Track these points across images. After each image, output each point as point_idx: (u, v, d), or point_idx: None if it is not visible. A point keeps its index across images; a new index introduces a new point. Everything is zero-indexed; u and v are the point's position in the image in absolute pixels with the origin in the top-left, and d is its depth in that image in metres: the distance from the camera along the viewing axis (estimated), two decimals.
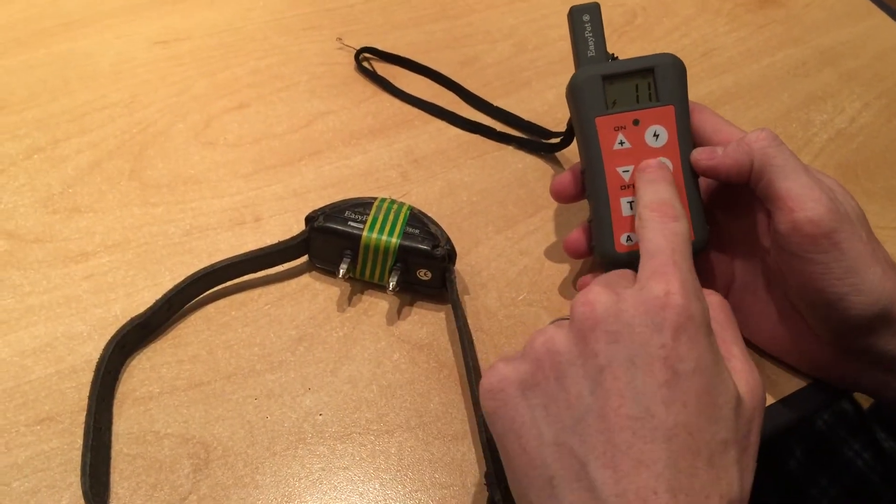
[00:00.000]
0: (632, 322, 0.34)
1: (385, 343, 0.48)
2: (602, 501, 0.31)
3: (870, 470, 0.67)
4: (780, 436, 0.47)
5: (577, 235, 0.50)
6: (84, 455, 0.40)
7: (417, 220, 0.48)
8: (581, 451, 0.32)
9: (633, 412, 0.32)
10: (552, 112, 0.62)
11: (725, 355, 0.36)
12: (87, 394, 0.43)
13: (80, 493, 0.40)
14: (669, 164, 0.46)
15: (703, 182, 0.48)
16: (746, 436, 0.34)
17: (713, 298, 0.39)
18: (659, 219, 0.38)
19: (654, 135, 0.46)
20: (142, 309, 0.46)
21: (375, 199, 0.49)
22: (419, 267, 0.48)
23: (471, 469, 0.43)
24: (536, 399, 0.34)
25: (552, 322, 0.39)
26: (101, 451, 0.41)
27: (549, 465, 0.33)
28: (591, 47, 0.48)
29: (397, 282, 0.47)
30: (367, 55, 0.65)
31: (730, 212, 0.48)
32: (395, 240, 0.47)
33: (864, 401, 0.74)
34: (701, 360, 0.33)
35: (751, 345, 0.49)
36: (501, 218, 0.55)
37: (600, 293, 0.35)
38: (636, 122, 0.46)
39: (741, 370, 0.36)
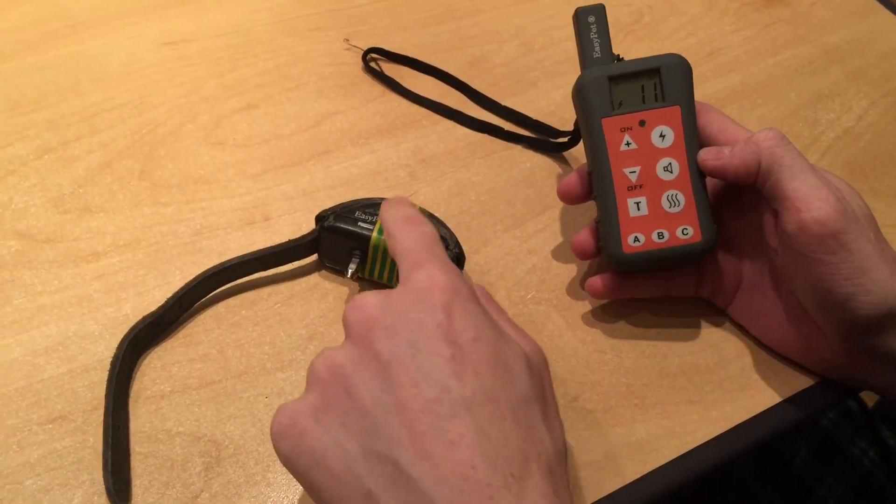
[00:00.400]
0: (404, 311, 0.33)
1: None
2: (424, 495, 0.30)
3: (876, 468, 0.67)
4: (785, 435, 0.47)
5: (584, 236, 0.50)
6: (105, 453, 0.40)
7: None
8: (389, 451, 0.31)
9: (429, 395, 0.31)
10: (559, 112, 0.62)
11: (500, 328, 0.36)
12: (99, 392, 0.44)
13: (92, 490, 0.41)
14: (676, 164, 0.46)
15: (710, 182, 0.48)
16: (543, 392, 0.35)
17: (478, 289, 0.40)
18: (406, 226, 0.38)
19: (661, 135, 0.46)
20: (153, 308, 0.46)
21: (386, 199, 0.49)
22: None
23: None
24: (331, 419, 0.32)
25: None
26: (121, 448, 0.42)
27: (363, 479, 0.31)
28: (597, 48, 0.48)
29: None
30: (374, 56, 0.65)
31: (737, 212, 0.48)
32: None
33: (869, 399, 0.74)
34: (480, 328, 0.33)
35: (759, 344, 0.49)
36: (510, 217, 0.55)
37: (367, 296, 0.35)
38: (642, 123, 0.46)
39: (517, 334, 0.37)
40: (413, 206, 0.42)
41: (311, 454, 0.32)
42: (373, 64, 0.64)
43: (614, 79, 0.46)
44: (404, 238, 0.38)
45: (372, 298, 0.35)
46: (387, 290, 0.35)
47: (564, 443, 0.35)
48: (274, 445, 0.34)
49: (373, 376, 0.32)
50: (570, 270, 0.53)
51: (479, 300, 0.35)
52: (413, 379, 0.32)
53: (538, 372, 0.35)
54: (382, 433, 0.31)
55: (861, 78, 0.69)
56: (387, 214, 0.41)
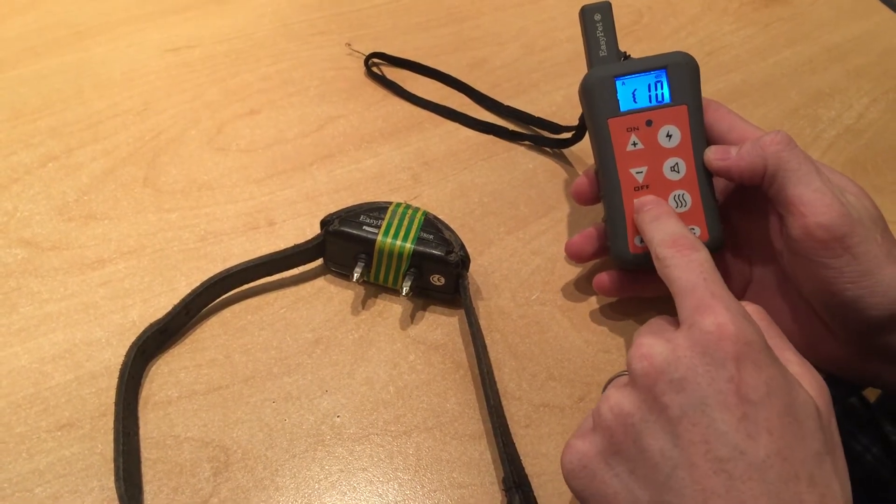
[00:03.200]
0: (692, 365, 0.33)
1: (400, 344, 0.48)
2: None
3: (879, 464, 0.67)
4: None
5: (578, 240, 0.50)
6: (116, 460, 0.40)
7: (432, 226, 0.48)
8: None
9: (721, 454, 0.31)
10: (560, 113, 0.63)
11: (784, 363, 0.35)
12: (107, 399, 0.44)
13: (101, 497, 0.41)
14: (683, 164, 0.46)
15: (719, 182, 0.48)
16: (832, 439, 0.34)
17: (751, 308, 0.39)
18: (678, 253, 0.38)
19: (668, 135, 0.46)
20: (159, 314, 0.46)
21: (390, 203, 0.49)
22: (433, 272, 0.48)
23: (488, 469, 0.43)
24: (621, 466, 0.34)
25: (609, 383, 0.39)
26: (132, 455, 0.42)
27: None
28: (603, 47, 0.48)
29: (411, 286, 0.47)
30: (376, 60, 0.65)
31: (745, 212, 0.48)
32: (409, 245, 0.47)
33: (871, 395, 0.74)
34: (772, 382, 0.32)
35: None
36: (513, 218, 0.55)
37: (653, 344, 0.34)
38: (649, 123, 0.46)
39: (803, 374, 0.35)
40: (673, 212, 0.42)
41: (604, 496, 0.34)
42: (375, 68, 0.64)
43: (620, 78, 0.46)
44: (681, 272, 0.37)
45: (658, 348, 0.34)
46: (672, 336, 0.34)
47: (849, 487, 0.33)
48: (566, 481, 0.36)
49: (661, 429, 0.33)
50: (574, 271, 0.53)
51: (768, 347, 0.34)
52: (704, 437, 0.32)
53: (827, 418, 0.34)
54: (672, 487, 0.32)
55: (862, 76, 0.69)
56: (650, 232, 0.40)
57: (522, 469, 0.42)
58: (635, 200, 0.45)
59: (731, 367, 0.32)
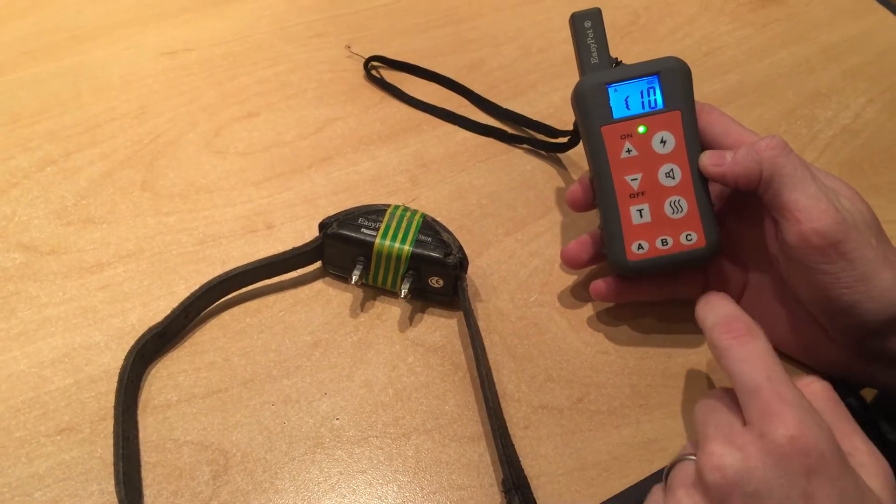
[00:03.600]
0: (766, 478, 0.33)
1: (399, 347, 0.48)
2: None
3: None
4: None
5: (574, 247, 0.50)
6: (116, 464, 0.41)
7: (430, 228, 0.48)
8: None
9: None
10: (558, 114, 0.63)
11: (850, 451, 0.35)
12: (106, 403, 0.44)
13: (101, 501, 0.41)
14: (678, 169, 0.46)
15: (715, 186, 0.48)
16: None
17: (817, 387, 0.38)
18: (737, 343, 0.37)
19: (661, 141, 0.46)
20: (158, 318, 0.46)
21: (389, 206, 0.49)
22: (431, 274, 0.48)
23: (487, 470, 0.43)
24: None
25: (672, 467, 0.38)
26: (132, 458, 0.42)
27: None
28: (595, 54, 0.48)
29: (409, 289, 0.48)
30: (375, 63, 0.65)
31: (741, 218, 0.48)
32: (407, 247, 0.47)
33: (868, 395, 0.74)
34: (843, 494, 0.32)
35: None
36: (511, 220, 0.55)
37: (724, 454, 0.34)
38: (642, 130, 0.46)
39: (870, 463, 0.35)
40: (732, 302, 0.40)
41: None
42: (374, 72, 0.64)
43: (613, 85, 0.46)
44: (743, 366, 0.36)
45: (730, 459, 0.34)
46: (743, 443, 0.34)
47: None
48: None
49: None
50: (572, 272, 0.53)
51: (840, 454, 0.34)
52: None
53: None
54: None
55: (858, 76, 0.69)
56: (702, 314, 0.40)
57: (522, 471, 0.42)
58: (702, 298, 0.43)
59: (804, 482, 0.32)
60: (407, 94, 0.63)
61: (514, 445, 0.43)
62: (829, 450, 0.33)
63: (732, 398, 0.37)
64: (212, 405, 0.45)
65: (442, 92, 0.64)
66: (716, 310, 0.40)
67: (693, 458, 0.37)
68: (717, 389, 0.39)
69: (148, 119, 0.59)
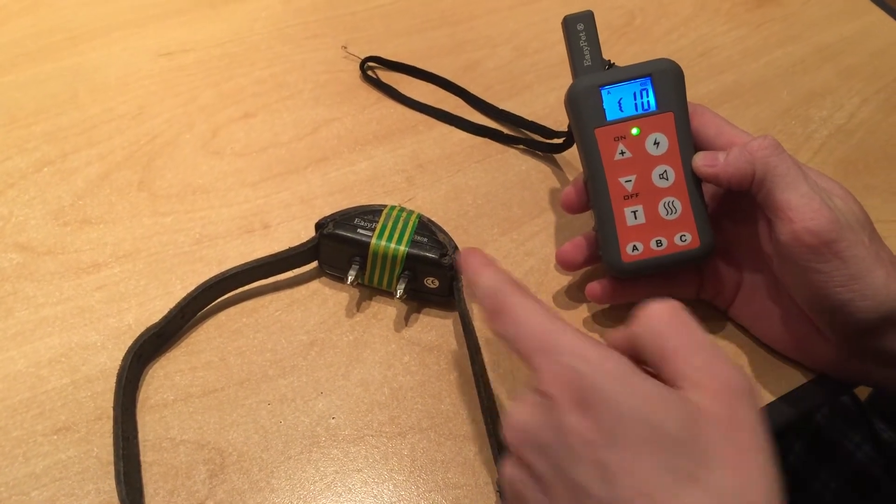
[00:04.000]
0: (540, 425, 0.33)
1: (395, 346, 0.48)
2: None
3: (871, 462, 0.67)
4: (784, 430, 0.47)
5: (568, 249, 0.50)
6: (117, 464, 0.41)
7: (426, 228, 0.49)
8: None
9: None
10: (553, 115, 0.63)
11: (686, 370, 0.33)
12: (103, 402, 0.44)
13: (98, 500, 0.41)
14: (671, 171, 0.46)
15: (709, 188, 0.48)
16: (711, 449, 0.31)
17: (654, 309, 0.35)
18: (504, 312, 0.36)
19: (655, 143, 0.46)
20: (154, 318, 0.46)
21: (385, 206, 0.49)
22: (427, 275, 0.48)
23: (482, 469, 0.44)
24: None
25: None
26: (132, 459, 0.42)
27: None
28: (587, 56, 0.48)
29: (405, 289, 0.48)
30: (372, 64, 0.65)
31: (735, 218, 0.48)
32: (403, 248, 0.47)
33: (862, 393, 0.74)
34: (620, 408, 0.31)
35: (758, 342, 0.50)
36: (506, 220, 0.56)
37: (513, 412, 0.34)
38: (636, 132, 0.46)
39: (704, 380, 0.32)
40: (488, 260, 0.39)
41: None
42: (370, 72, 0.65)
43: (606, 87, 0.47)
44: (508, 325, 0.36)
45: (518, 416, 0.34)
46: (526, 396, 0.34)
47: (774, 480, 0.33)
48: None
49: (541, 494, 0.33)
50: (567, 272, 0.53)
51: (616, 372, 0.32)
52: (573, 498, 0.31)
53: (701, 416, 0.31)
54: None
55: (853, 76, 0.69)
56: (479, 284, 0.38)
57: None
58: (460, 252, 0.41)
59: (578, 415, 0.31)
60: (403, 95, 0.63)
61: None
62: (595, 376, 0.32)
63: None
64: (208, 404, 0.45)
65: (438, 93, 0.64)
66: (484, 279, 0.37)
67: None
68: None
69: (145, 120, 0.59)
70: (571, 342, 0.33)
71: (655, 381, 0.32)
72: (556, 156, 0.60)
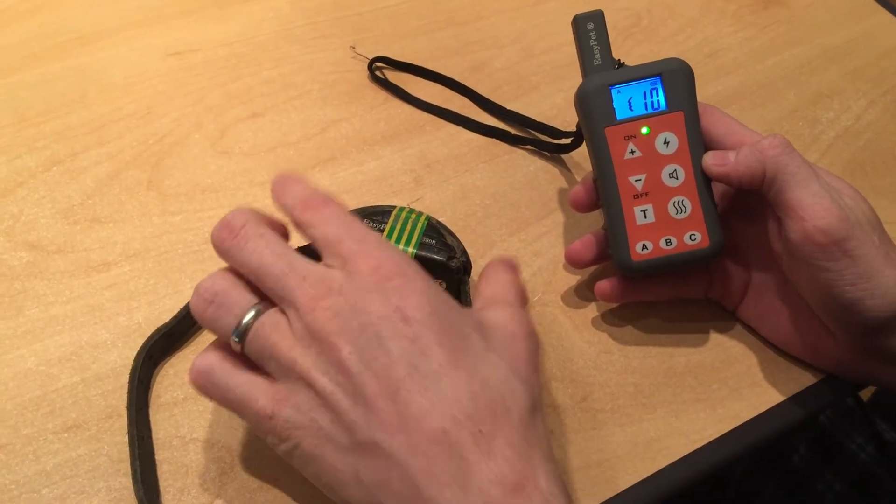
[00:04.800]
0: (362, 308, 0.35)
1: None
2: (401, 467, 0.33)
3: (874, 463, 0.67)
4: (793, 431, 0.47)
5: (578, 247, 0.50)
6: (133, 464, 0.41)
7: (435, 231, 0.49)
8: (371, 435, 0.33)
9: (399, 376, 0.34)
10: (561, 115, 0.63)
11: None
12: (113, 401, 0.44)
13: (108, 498, 0.41)
14: (681, 170, 0.46)
15: (718, 188, 0.48)
16: (490, 340, 0.37)
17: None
18: (316, 213, 0.38)
19: (665, 142, 0.46)
20: (164, 316, 0.47)
21: (394, 207, 0.50)
22: (434, 278, 0.48)
23: None
24: (306, 407, 0.36)
25: (260, 313, 0.37)
26: (147, 458, 0.42)
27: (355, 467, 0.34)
28: (597, 55, 0.48)
29: None
30: (379, 64, 0.65)
31: (744, 217, 0.48)
32: (411, 249, 0.47)
33: (865, 394, 0.74)
34: (431, 305, 0.35)
35: (766, 342, 0.50)
36: (514, 220, 0.56)
37: (322, 297, 0.35)
38: (646, 131, 0.46)
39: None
40: (304, 181, 0.41)
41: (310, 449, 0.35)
42: (378, 73, 0.65)
43: (616, 86, 0.47)
44: (324, 226, 0.38)
45: (328, 301, 0.35)
46: (331, 276, 0.36)
47: (539, 395, 0.37)
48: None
49: (344, 377, 0.35)
50: (575, 272, 0.53)
51: (423, 272, 0.37)
52: (383, 369, 0.34)
53: (506, 335, 0.37)
54: (360, 428, 0.33)
55: (859, 77, 0.69)
56: (284, 201, 0.40)
57: None
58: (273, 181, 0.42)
59: (396, 299, 0.35)
60: (411, 95, 0.63)
61: None
62: (412, 270, 0.36)
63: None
64: None
65: (445, 93, 0.64)
66: (291, 191, 0.40)
67: (269, 315, 0.37)
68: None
69: (154, 119, 0.60)
70: (385, 240, 0.38)
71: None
72: (564, 156, 0.60)
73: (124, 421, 0.44)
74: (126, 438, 0.43)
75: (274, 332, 0.36)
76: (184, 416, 0.44)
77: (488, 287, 0.41)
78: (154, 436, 0.44)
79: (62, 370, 0.46)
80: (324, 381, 0.34)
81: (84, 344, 0.47)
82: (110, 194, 0.54)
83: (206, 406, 0.45)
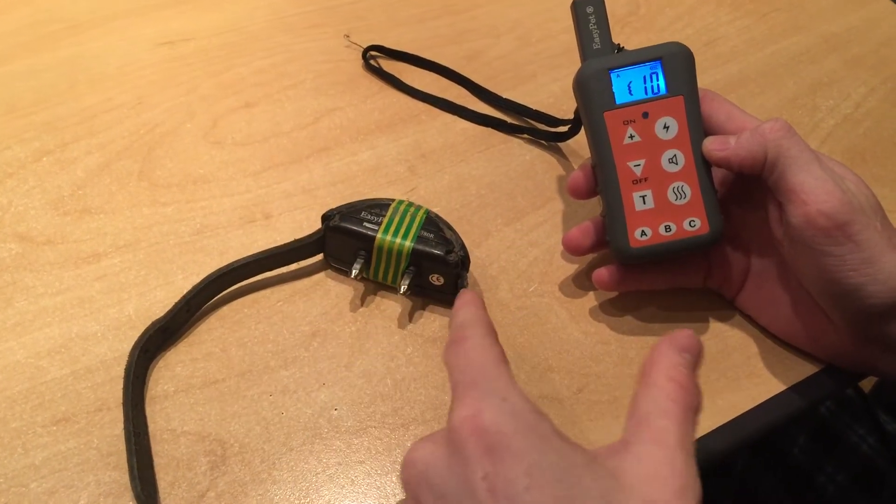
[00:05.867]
0: (444, 467, 0.30)
1: (398, 337, 0.48)
2: None
3: (875, 454, 0.67)
4: (791, 421, 0.47)
5: (575, 234, 0.49)
6: (130, 460, 0.40)
7: (433, 224, 0.48)
8: None
9: None
10: (558, 104, 0.62)
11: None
12: (103, 394, 0.44)
13: (98, 492, 0.40)
14: (681, 155, 0.45)
15: (717, 172, 0.48)
16: None
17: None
18: (454, 347, 0.34)
19: (665, 126, 0.46)
20: (155, 308, 0.46)
21: (393, 200, 0.49)
22: (432, 272, 0.48)
23: None
24: None
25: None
26: (144, 454, 0.42)
27: None
28: (597, 39, 0.48)
29: (409, 285, 0.47)
30: (374, 52, 0.65)
31: (744, 203, 0.48)
32: (408, 243, 0.47)
33: (866, 385, 0.74)
34: (534, 467, 0.28)
35: (764, 332, 0.49)
36: (510, 210, 0.55)
37: (417, 448, 0.31)
38: (645, 115, 0.46)
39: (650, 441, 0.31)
40: (477, 301, 0.37)
41: None
42: (372, 62, 0.64)
43: (615, 70, 0.46)
44: (452, 367, 0.34)
45: (421, 452, 0.31)
46: (435, 438, 0.31)
47: None
48: None
49: None
50: (572, 262, 0.52)
51: (541, 432, 0.30)
52: None
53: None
54: None
55: (859, 65, 0.69)
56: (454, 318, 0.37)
57: None
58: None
59: (485, 463, 0.28)
60: (406, 84, 0.62)
61: None
62: (513, 425, 0.29)
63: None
64: (209, 396, 0.44)
65: (441, 82, 0.64)
66: (461, 313, 0.36)
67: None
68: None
69: (145, 109, 0.59)
70: (504, 388, 0.31)
71: (579, 445, 0.30)
72: (561, 145, 0.59)
73: (114, 414, 0.43)
74: (117, 431, 0.42)
75: None
76: (175, 409, 0.44)
77: (646, 394, 0.33)
78: None
79: (51, 363, 0.45)
80: None
81: (74, 336, 0.46)
82: (101, 185, 0.54)
83: (198, 399, 0.44)
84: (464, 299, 0.38)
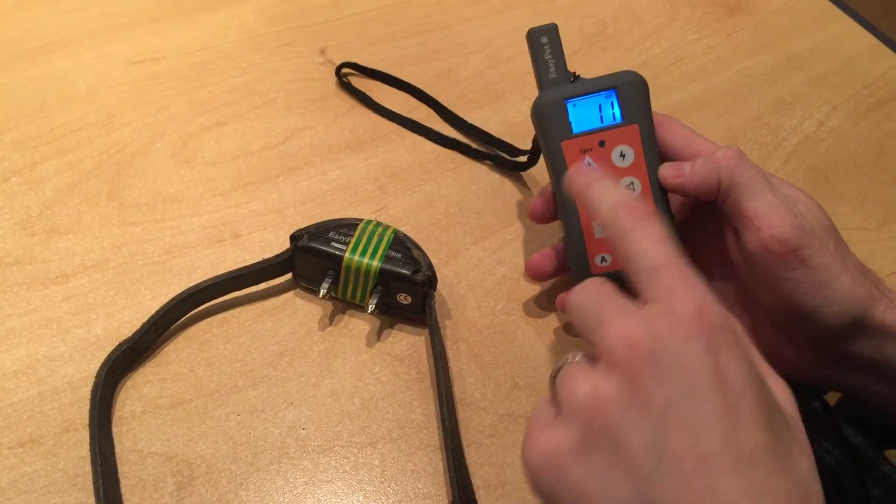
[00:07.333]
0: (678, 351, 0.30)
1: (366, 356, 0.48)
2: None
3: (840, 467, 0.67)
4: None
5: (538, 260, 0.50)
6: (96, 482, 0.40)
7: (400, 244, 0.48)
8: (664, 501, 0.29)
9: (708, 447, 0.29)
10: (526, 122, 0.63)
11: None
12: (70, 415, 0.44)
13: None
14: (638, 182, 0.46)
15: (675, 199, 0.48)
16: (804, 440, 0.32)
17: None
18: (637, 223, 0.34)
19: (621, 154, 0.46)
20: (123, 328, 0.46)
21: (361, 220, 0.49)
22: (399, 291, 0.48)
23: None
24: (598, 462, 0.30)
25: (569, 362, 0.34)
26: (110, 475, 0.42)
27: None
28: (552, 69, 0.48)
29: (377, 304, 0.48)
30: (347, 70, 0.65)
31: (701, 228, 0.49)
32: (376, 263, 0.47)
33: (831, 398, 0.75)
34: (751, 373, 0.31)
35: None
36: (479, 229, 0.56)
37: (634, 327, 0.31)
38: (602, 144, 0.46)
39: (769, 373, 0.34)
40: (617, 183, 0.37)
41: (576, 494, 0.31)
42: (345, 79, 0.64)
43: (571, 100, 0.47)
44: (644, 245, 0.34)
45: (641, 332, 0.31)
46: (651, 317, 0.31)
47: (817, 480, 0.31)
48: (530, 476, 0.32)
49: (645, 420, 0.30)
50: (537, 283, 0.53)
51: (746, 338, 0.32)
52: (690, 429, 0.29)
53: (793, 419, 0.32)
54: (657, 482, 0.29)
55: (822, 84, 0.70)
56: (595, 198, 0.36)
57: (472, 494, 0.42)
58: (568, 170, 0.40)
59: (714, 358, 0.30)
60: (376, 103, 0.63)
61: (467, 468, 0.43)
62: (737, 330, 0.32)
63: (615, 288, 0.35)
64: (176, 416, 0.45)
65: (411, 101, 0.64)
66: (611, 191, 0.36)
67: (578, 359, 0.34)
68: (591, 281, 0.36)
69: (115, 129, 0.59)
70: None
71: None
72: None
73: (81, 435, 0.43)
74: (83, 453, 0.42)
75: (568, 371, 0.33)
76: (141, 429, 0.44)
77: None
78: None
79: (18, 384, 0.45)
80: (623, 420, 0.30)
81: (41, 357, 0.46)
82: (69, 205, 0.54)
83: (165, 420, 0.44)
84: (587, 177, 0.37)
